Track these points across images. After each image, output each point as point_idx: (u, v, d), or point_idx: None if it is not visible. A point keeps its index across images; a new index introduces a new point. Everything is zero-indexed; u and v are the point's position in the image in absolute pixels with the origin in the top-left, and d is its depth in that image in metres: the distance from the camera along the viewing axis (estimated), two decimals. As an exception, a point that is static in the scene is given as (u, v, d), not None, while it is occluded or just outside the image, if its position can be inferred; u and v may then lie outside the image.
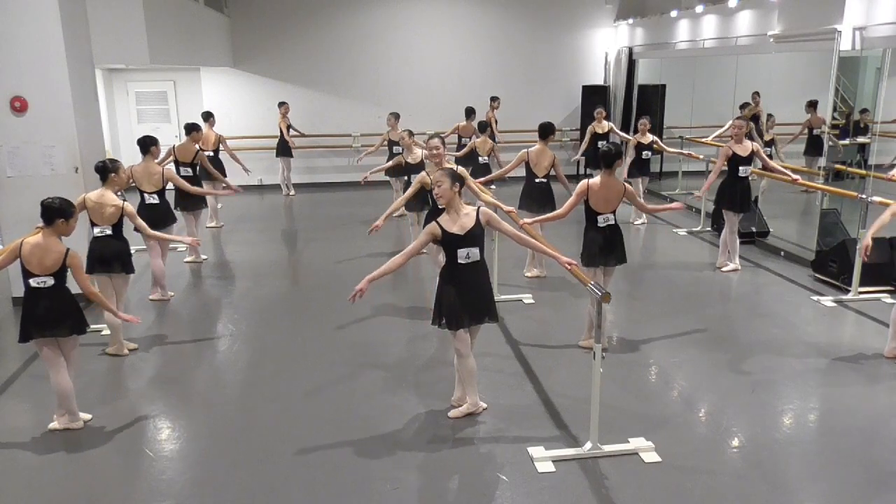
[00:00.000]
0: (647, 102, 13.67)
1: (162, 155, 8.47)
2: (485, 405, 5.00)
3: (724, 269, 8.33)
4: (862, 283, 7.24)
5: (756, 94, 11.24)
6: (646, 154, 10.55)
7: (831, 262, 7.73)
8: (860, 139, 8.92)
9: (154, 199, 7.45)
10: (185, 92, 14.02)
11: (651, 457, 4.40)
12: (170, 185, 7.62)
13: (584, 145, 11.47)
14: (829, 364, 5.79)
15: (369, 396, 5.32)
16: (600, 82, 14.91)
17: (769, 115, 10.99)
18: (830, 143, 8.84)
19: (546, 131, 7.72)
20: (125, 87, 13.96)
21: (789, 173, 8.13)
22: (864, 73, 8.89)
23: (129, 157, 12.21)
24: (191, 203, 8.74)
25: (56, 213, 4.63)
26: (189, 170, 9.14)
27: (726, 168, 7.97)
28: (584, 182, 5.77)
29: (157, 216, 7.45)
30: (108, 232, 6.04)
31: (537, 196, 7.76)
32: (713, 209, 9.52)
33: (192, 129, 9.47)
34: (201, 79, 13.94)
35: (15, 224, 6.86)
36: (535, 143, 7.81)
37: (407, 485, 4.19)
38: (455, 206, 4.60)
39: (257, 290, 8.09)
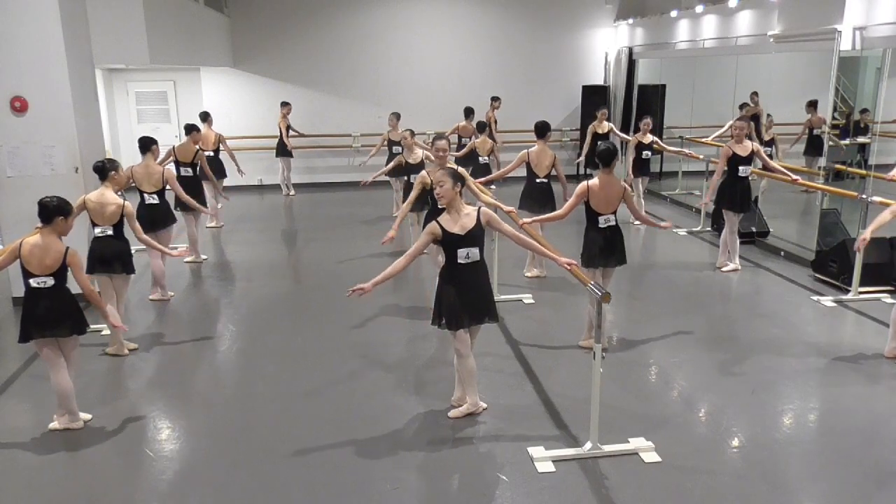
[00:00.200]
0: (647, 102, 13.67)
1: (162, 155, 8.47)
2: (485, 405, 5.00)
3: (724, 269, 8.33)
4: (862, 283, 7.24)
5: (754, 94, 11.24)
6: (646, 154, 10.55)
7: (831, 262, 7.73)
8: (860, 139, 8.92)
9: (154, 200, 7.45)
10: (185, 92, 14.02)
11: (651, 457, 4.40)
12: (168, 187, 7.62)
13: (585, 147, 11.48)
14: (829, 364, 5.79)
15: (369, 396, 5.32)
16: (600, 82, 14.91)
17: (767, 115, 10.99)
18: (831, 142, 8.84)
19: (542, 130, 7.73)
20: (125, 87, 13.96)
21: (789, 173, 8.13)
22: (864, 73, 8.88)
23: (129, 157, 12.23)
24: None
25: (55, 211, 4.63)
26: (189, 170, 9.15)
27: (726, 168, 7.97)
28: (583, 183, 5.76)
29: (157, 216, 7.46)
30: (109, 232, 6.05)
31: (538, 196, 7.76)
32: (713, 209, 9.52)
33: (191, 129, 9.49)
34: (201, 79, 13.95)
35: (15, 224, 6.86)
36: (535, 143, 7.82)
37: (407, 485, 4.19)
38: (456, 206, 4.61)
39: (257, 290, 8.09)
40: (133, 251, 6.33)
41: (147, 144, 7.43)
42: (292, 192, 13.60)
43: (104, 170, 6.06)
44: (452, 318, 4.64)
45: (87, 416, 4.99)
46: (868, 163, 8.81)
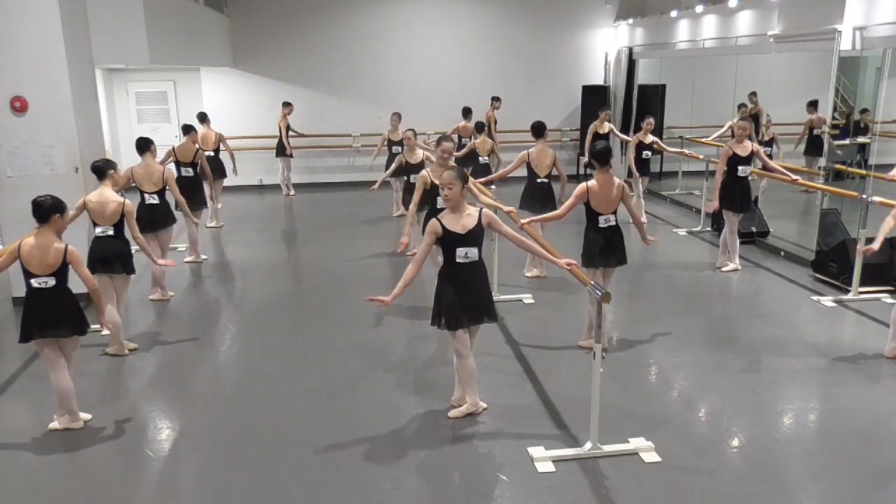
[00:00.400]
0: (647, 102, 13.67)
1: (162, 156, 8.47)
2: (485, 405, 5.00)
3: (724, 269, 8.33)
4: (862, 283, 7.24)
5: (752, 94, 11.23)
6: (646, 154, 10.56)
7: (831, 262, 7.73)
8: (860, 139, 8.92)
9: (154, 200, 7.45)
10: (185, 92, 14.02)
11: (651, 457, 4.40)
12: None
13: (587, 146, 11.46)
14: (829, 364, 5.79)
15: (369, 396, 5.32)
16: (600, 82, 14.91)
17: (766, 116, 10.99)
18: (834, 142, 8.85)
19: (540, 130, 7.78)
20: (125, 87, 13.96)
21: (788, 174, 8.13)
22: (864, 73, 8.88)
23: (130, 157, 12.20)
24: (190, 203, 8.73)
25: (50, 209, 4.64)
26: (190, 170, 9.15)
27: (726, 168, 7.97)
28: (583, 184, 5.76)
29: (158, 216, 7.46)
30: (110, 232, 6.05)
31: (538, 196, 7.77)
32: (713, 209, 9.51)
33: (188, 129, 9.48)
34: (201, 79, 13.95)
35: (15, 224, 6.85)
36: (535, 143, 7.82)
37: (407, 485, 4.19)
38: (460, 206, 4.61)
39: (257, 290, 8.09)
40: (133, 251, 6.33)
41: (146, 144, 7.42)
42: (292, 192, 13.60)
43: (102, 170, 6.07)
44: (451, 318, 4.64)
45: (87, 416, 4.99)
46: (868, 163, 8.81)
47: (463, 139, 12.10)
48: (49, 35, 6.84)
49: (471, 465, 4.41)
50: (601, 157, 5.71)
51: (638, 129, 10.96)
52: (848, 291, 7.32)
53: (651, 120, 10.49)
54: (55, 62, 6.91)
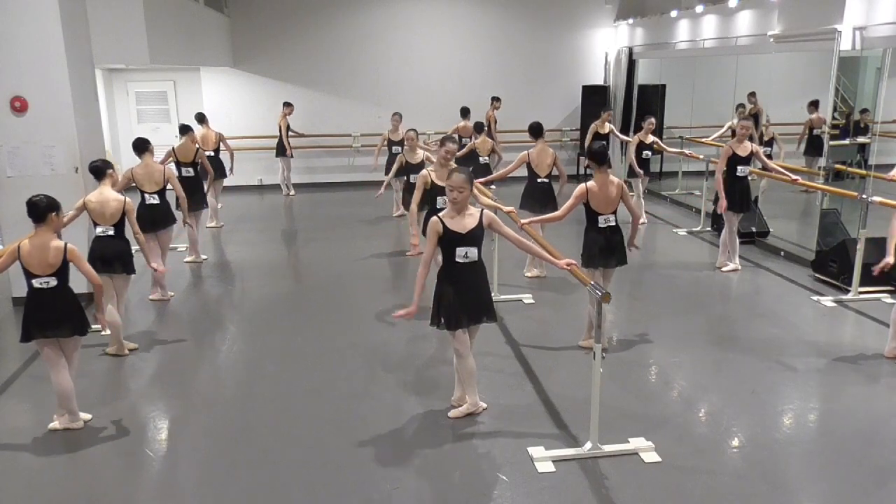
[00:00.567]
0: (647, 102, 13.67)
1: (161, 157, 8.46)
2: (485, 405, 5.00)
3: (724, 269, 8.33)
4: (862, 283, 7.24)
5: (752, 94, 11.23)
6: (646, 154, 10.56)
7: (831, 262, 7.73)
8: (860, 139, 8.92)
9: (155, 200, 7.45)
10: (185, 92, 14.02)
11: (651, 457, 4.39)
12: (169, 186, 7.61)
13: (588, 145, 11.45)
14: (829, 364, 5.79)
15: (369, 396, 5.32)
16: (600, 82, 14.91)
17: (766, 115, 10.99)
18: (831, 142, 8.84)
19: (538, 131, 7.84)
20: (125, 87, 13.96)
21: (788, 174, 8.13)
22: (864, 73, 8.88)
23: (130, 157, 12.17)
24: (191, 203, 8.73)
25: (46, 208, 4.65)
26: (191, 170, 9.14)
27: (725, 167, 7.97)
28: (582, 185, 5.76)
29: (158, 216, 7.46)
30: (110, 232, 6.05)
31: (539, 196, 7.77)
32: (713, 209, 9.52)
33: (185, 129, 9.47)
34: (201, 79, 13.95)
35: (15, 224, 6.85)
36: (535, 143, 7.83)
37: (407, 485, 4.19)
38: (463, 207, 4.62)
39: (257, 290, 8.09)
40: (133, 251, 6.34)
41: (144, 145, 7.40)
42: (292, 192, 13.60)
43: (101, 170, 6.07)
44: (451, 318, 4.64)
45: (87, 416, 4.99)
46: (868, 163, 8.81)
47: (463, 139, 12.10)
48: (49, 35, 6.84)
49: (471, 465, 4.41)
50: (598, 158, 5.73)
51: (639, 128, 10.96)
52: (848, 291, 7.32)
53: (652, 120, 10.49)
54: (55, 62, 6.90)
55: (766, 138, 10.58)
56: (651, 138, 10.52)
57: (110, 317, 6.03)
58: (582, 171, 14.47)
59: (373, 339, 6.43)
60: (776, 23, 9.15)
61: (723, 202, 7.99)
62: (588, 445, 4.45)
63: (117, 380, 5.77)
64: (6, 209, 7.09)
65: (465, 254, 4.59)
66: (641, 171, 10.51)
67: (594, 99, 14.16)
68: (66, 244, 4.71)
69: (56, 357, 4.79)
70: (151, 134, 11.88)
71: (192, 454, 4.64)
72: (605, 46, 14.86)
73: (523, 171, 7.86)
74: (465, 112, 12.31)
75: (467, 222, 4.59)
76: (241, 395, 5.45)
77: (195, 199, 8.73)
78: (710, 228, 10.15)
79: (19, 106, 6.95)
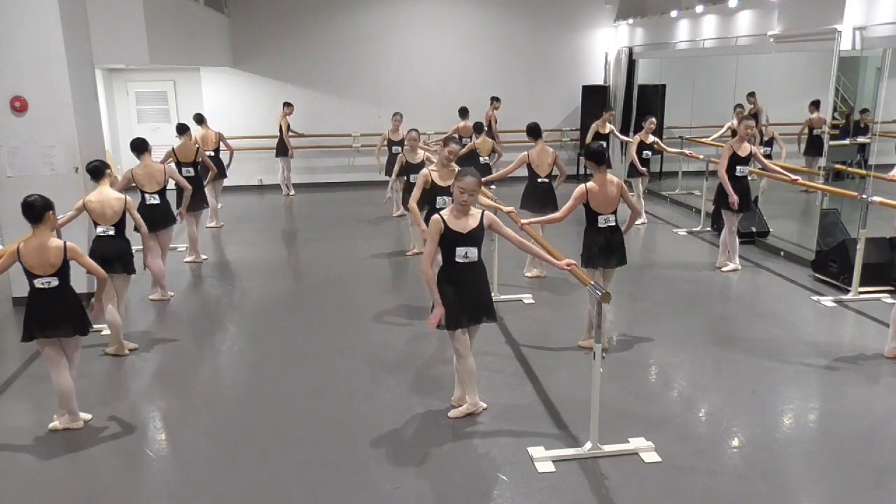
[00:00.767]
0: (647, 102, 13.67)
1: (161, 156, 8.46)
2: (485, 405, 5.00)
3: (724, 269, 8.33)
4: (862, 283, 7.24)
5: (751, 94, 11.23)
6: (646, 154, 10.56)
7: (831, 262, 7.73)
8: (860, 139, 8.92)
9: (155, 200, 7.45)
10: (185, 92, 14.02)
11: (651, 457, 4.39)
12: (170, 186, 7.62)
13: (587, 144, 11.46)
14: (829, 364, 5.79)
15: (369, 396, 5.32)
16: (600, 82, 14.91)
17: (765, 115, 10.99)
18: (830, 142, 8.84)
19: (536, 131, 7.88)
20: (125, 87, 13.96)
21: (787, 174, 8.13)
22: (864, 73, 8.88)
23: (130, 157, 12.19)
24: (192, 203, 8.72)
25: (43, 208, 4.66)
26: (191, 169, 9.14)
27: (726, 165, 7.97)
28: (582, 186, 5.76)
29: (158, 216, 7.45)
30: (111, 232, 6.06)
31: (539, 196, 7.78)
32: (713, 209, 9.52)
33: (184, 129, 9.46)
34: (201, 79, 13.95)
35: (15, 224, 6.83)
36: (535, 143, 7.83)
37: (407, 485, 4.19)
38: (467, 209, 4.62)
39: (257, 290, 8.09)
40: (134, 251, 6.34)
41: (143, 145, 7.40)
42: (292, 192, 13.60)
43: (99, 170, 6.08)
44: (451, 318, 4.63)
45: (88, 416, 4.99)
46: (868, 163, 8.81)
47: (463, 139, 12.10)
48: (49, 35, 6.84)
49: (471, 465, 4.41)
50: (596, 158, 5.73)
51: (639, 128, 10.96)
52: (848, 291, 7.32)
53: (653, 119, 10.49)
54: (55, 62, 6.90)
55: (765, 138, 10.58)
56: (651, 138, 10.52)
57: (110, 316, 6.04)
58: (582, 171, 14.46)
59: (373, 339, 6.43)
60: (776, 23, 9.15)
61: (732, 197, 7.93)
62: (588, 445, 4.45)
63: (117, 380, 5.77)
64: (6, 209, 7.08)
65: (465, 254, 4.59)
66: (645, 170, 10.52)
67: (594, 99, 14.16)
68: (65, 242, 4.72)
69: (57, 357, 4.79)
70: (151, 134, 11.90)
71: (192, 454, 4.64)
72: (605, 46, 14.86)
73: (523, 172, 7.86)
74: (463, 112, 12.31)
75: (468, 222, 4.59)
76: (241, 395, 5.45)
77: (195, 199, 8.71)
78: (710, 228, 10.15)
79: (19, 106, 6.95)
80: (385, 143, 11.39)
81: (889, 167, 8.04)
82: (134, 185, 7.40)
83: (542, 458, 4.39)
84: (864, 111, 8.86)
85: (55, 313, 4.70)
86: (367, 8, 14.15)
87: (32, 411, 5.23)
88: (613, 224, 5.84)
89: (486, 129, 11.59)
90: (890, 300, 7.14)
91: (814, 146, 10.37)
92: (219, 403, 5.33)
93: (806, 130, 10.61)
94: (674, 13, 12.10)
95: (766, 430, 4.78)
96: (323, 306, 7.47)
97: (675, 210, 11.85)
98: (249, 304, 7.63)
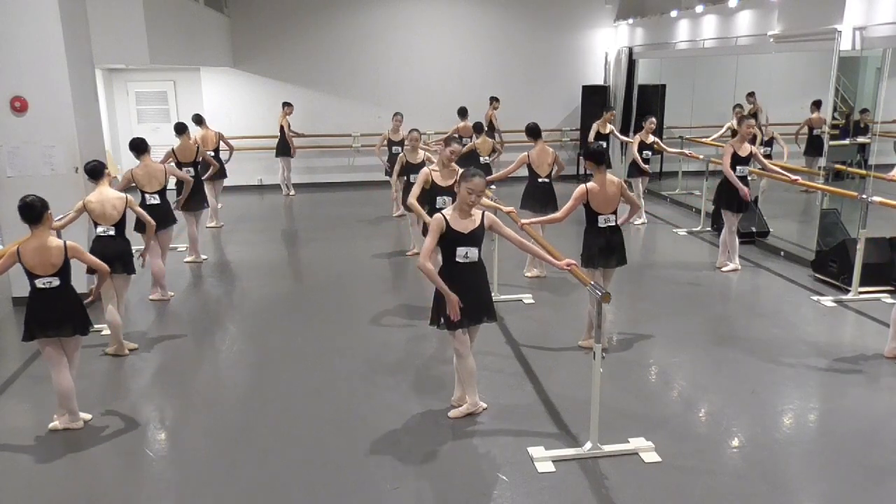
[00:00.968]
0: (647, 102, 13.67)
1: (161, 156, 8.46)
2: (485, 405, 5.00)
3: (724, 269, 8.34)
4: (862, 283, 7.24)
5: (750, 94, 11.23)
6: (646, 154, 10.57)
7: (831, 262, 7.73)
8: (860, 139, 8.92)
9: (155, 200, 7.45)
10: (185, 92, 14.02)
11: (651, 457, 4.39)
12: (170, 185, 7.61)
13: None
14: (829, 364, 5.79)
15: (369, 396, 5.32)
16: (600, 82, 14.91)
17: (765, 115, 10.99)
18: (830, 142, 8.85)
19: (535, 131, 7.88)
20: (125, 87, 13.96)
21: (787, 174, 8.13)
22: (864, 73, 8.88)
23: (130, 157, 12.20)
24: (192, 203, 8.74)
25: (42, 207, 4.67)
26: (191, 169, 9.14)
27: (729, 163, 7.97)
28: (582, 186, 5.76)
29: (159, 216, 7.40)
30: (111, 232, 6.06)
31: (539, 196, 7.78)
32: (713, 209, 9.52)
33: (182, 129, 9.45)
34: (201, 79, 13.95)
35: (15, 224, 6.79)
36: (534, 143, 7.83)
37: (407, 485, 4.19)
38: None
39: (257, 290, 8.09)
40: (134, 251, 6.34)
41: (142, 145, 7.39)
42: (292, 192, 13.60)
43: (98, 170, 6.08)
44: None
45: (88, 416, 4.99)
46: (868, 163, 8.81)
47: (463, 139, 12.09)
48: (49, 35, 6.84)
49: (471, 465, 4.41)
50: (596, 158, 5.73)
51: (639, 128, 10.96)
52: (848, 291, 7.32)
53: (653, 119, 10.49)
54: (55, 62, 6.91)
55: (765, 138, 10.58)
56: (652, 138, 10.52)
57: (110, 316, 6.04)
58: (582, 171, 14.46)
59: (373, 340, 6.43)
60: (776, 23, 9.15)
61: (742, 190, 7.86)
62: (588, 445, 4.45)
63: (117, 380, 5.77)
64: (6, 209, 7.06)
65: (465, 254, 4.59)
66: (647, 168, 10.52)
67: (594, 99, 14.16)
68: (65, 242, 4.73)
69: (57, 356, 4.79)
70: (151, 134, 11.91)
71: (192, 454, 4.64)
72: (605, 46, 14.86)
73: (524, 172, 7.86)
74: (463, 112, 12.30)
75: (470, 223, 4.59)
76: (241, 395, 5.45)
77: (196, 198, 8.72)
78: (709, 228, 10.15)
79: (19, 106, 6.95)
80: (385, 142, 11.38)
81: (889, 167, 8.04)
82: (134, 185, 7.40)
83: (542, 458, 4.39)
84: (864, 111, 8.87)
85: (56, 313, 4.70)
86: (367, 8, 14.14)
87: (32, 411, 5.23)
88: (613, 224, 5.84)
89: (486, 129, 11.58)
90: (890, 300, 7.14)
91: (814, 146, 10.38)
92: (219, 403, 5.33)
93: (805, 130, 10.61)
94: (674, 13, 12.10)
95: (766, 430, 4.78)
96: (323, 306, 7.47)
97: (675, 210, 11.85)
98: (249, 304, 7.63)
